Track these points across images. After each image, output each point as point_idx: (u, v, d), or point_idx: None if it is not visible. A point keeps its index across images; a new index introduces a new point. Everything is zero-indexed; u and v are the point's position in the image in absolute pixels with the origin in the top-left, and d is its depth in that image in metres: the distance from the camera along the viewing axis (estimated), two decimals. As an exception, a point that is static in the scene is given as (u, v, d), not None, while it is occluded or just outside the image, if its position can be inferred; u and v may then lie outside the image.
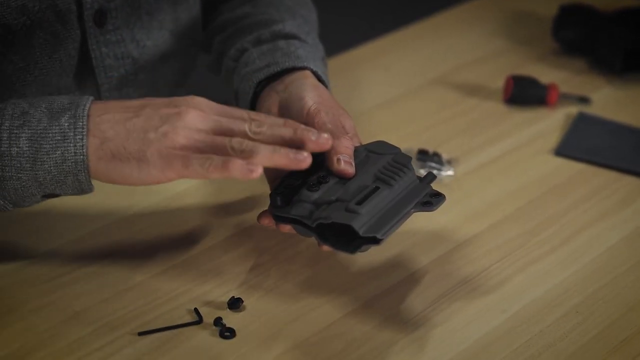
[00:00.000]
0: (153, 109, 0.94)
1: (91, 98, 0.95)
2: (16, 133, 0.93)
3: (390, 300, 1.02)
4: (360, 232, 0.92)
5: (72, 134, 0.93)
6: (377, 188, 0.96)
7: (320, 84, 1.09)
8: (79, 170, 0.94)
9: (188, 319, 0.98)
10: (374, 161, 1.00)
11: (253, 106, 1.11)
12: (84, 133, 0.93)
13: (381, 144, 1.03)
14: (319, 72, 1.11)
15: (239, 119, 0.95)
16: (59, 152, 0.93)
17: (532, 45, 1.53)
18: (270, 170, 1.03)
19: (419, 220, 1.07)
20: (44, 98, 0.96)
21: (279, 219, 0.98)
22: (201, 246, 1.08)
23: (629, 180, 1.23)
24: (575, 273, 1.08)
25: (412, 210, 0.96)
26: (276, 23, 1.19)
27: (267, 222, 0.99)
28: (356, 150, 1.01)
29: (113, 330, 0.96)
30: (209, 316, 0.98)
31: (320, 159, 0.99)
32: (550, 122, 1.34)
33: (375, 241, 0.93)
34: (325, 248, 0.97)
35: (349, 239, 0.94)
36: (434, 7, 1.65)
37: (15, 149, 0.93)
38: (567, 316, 1.02)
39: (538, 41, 1.54)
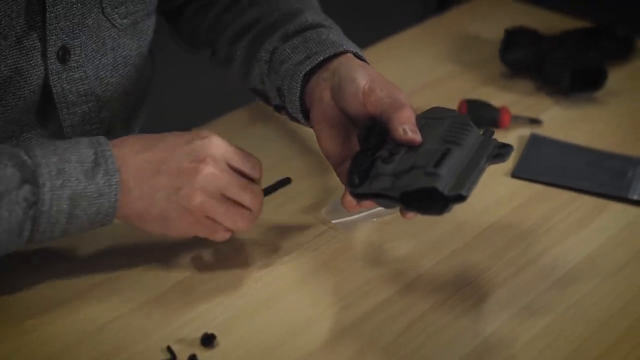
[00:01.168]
0: (174, 163, 1.01)
1: (110, 147, 1.00)
2: (58, 194, 0.97)
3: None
4: (445, 192, 0.95)
5: (107, 191, 0.99)
6: (448, 149, 0.99)
7: (365, 63, 1.11)
8: (107, 220, 1.01)
9: (161, 357, 0.97)
10: (436, 125, 1.03)
11: (302, 98, 1.12)
12: (118, 189, 0.99)
13: (437, 109, 1.07)
14: (359, 53, 1.13)
15: (244, 173, 1.04)
16: (95, 208, 0.99)
17: (481, 68, 1.54)
18: (334, 153, 1.09)
19: (388, 242, 1.10)
20: (67, 147, 1.00)
21: (361, 197, 1.00)
22: (169, 282, 1.07)
23: (584, 199, 1.25)
24: (542, 294, 1.09)
25: (487, 164, 1.00)
26: (296, 16, 1.19)
27: (349, 201, 1.03)
28: (416, 119, 1.03)
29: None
30: (182, 354, 0.97)
31: (381, 135, 1.03)
32: (504, 145, 1.35)
33: (461, 198, 0.96)
34: (410, 215, 1.01)
35: (432, 202, 0.96)
36: (377, 34, 1.66)
37: (55, 209, 0.97)
38: (536, 338, 1.03)
39: (486, 64, 1.55)
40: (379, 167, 1.00)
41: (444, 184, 0.96)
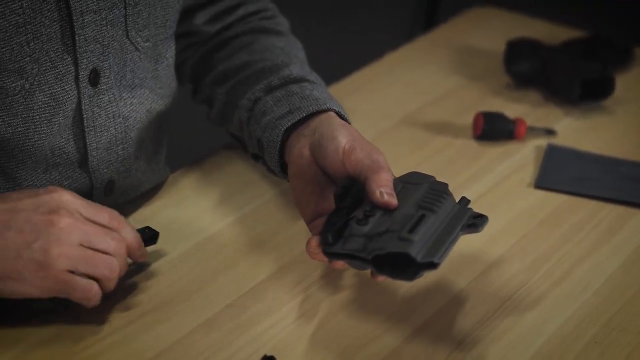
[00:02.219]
0: (23, 217, 0.95)
1: None
2: None
3: None
4: (418, 259, 0.95)
5: None
6: (423, 216, 0.99)
7: (346, 123, 1.11)
8: None
9: (223, 382, 0.96)
10: (413, 191, 1.03)
11: (281, 152, 1.13)
12: None
13: (415, 174, 1.07)
14: (342, 112, 1.13)
15: (101, 225, 1.00)
16: None
17: (486, 80, 1.56)
18: (308, 209, 1.08)
19: None
20: None
21: (333, 256, 1.00)
22: (217, 306, 1.06)
23: (610, 208, 1.26)
24: (583, 305, 1.10)
25: (460, 233, 1.00)
26: (282, 68, 1.20)
27: (320, 258, 1.02)
28: (394, 183, 1.04)
29: (151, 400, 0.94)
30: (243, 378, 0.97)
31: (358, 195, 1.03)
32: (522, 156, 1.37)
33: (432, 265, 0.95)
34: (381, 278, 1.01)
35: (403, 267, 0.96)
36: (368, 54, 1.67)
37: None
38: (588, 347, 1.04)
39: (490, 76, 1.57)
40: (353, 228, 1.00)
41: (416, 250, 0.96)
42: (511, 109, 1.45)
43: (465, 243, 1.15)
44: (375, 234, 0.99)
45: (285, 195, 1.22)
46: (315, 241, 1.02)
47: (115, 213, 1.02)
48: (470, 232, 1.01)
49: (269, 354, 0.99)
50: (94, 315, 1.03)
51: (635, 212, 1.26)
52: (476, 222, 1.02)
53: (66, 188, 1.09)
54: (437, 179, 1.06)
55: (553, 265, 1.16)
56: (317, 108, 1.12)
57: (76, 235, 0.96)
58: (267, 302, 1.07)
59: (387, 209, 1.01)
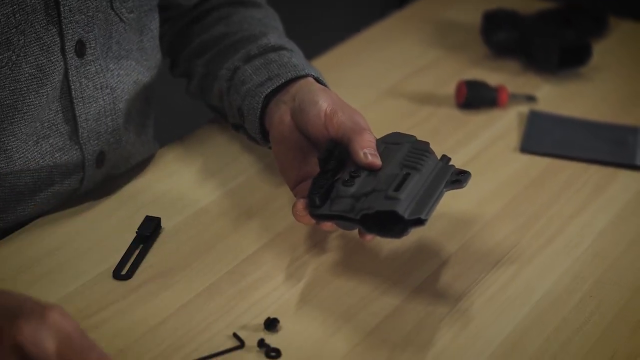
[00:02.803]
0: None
1: None
2: None
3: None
4: (405, 216, 0.97)
5: None
6: (407, 174, 1.01)
7: (326, 87, 1.13)
8: None
9: (229, 344, 0.97)
10: (395, 151, 1.05)
11: (262, 119, 1.13)
12: None
13: (395, 134, 1.08)
14: (320, 78, 1.15)
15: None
16: None
17: (465, 52, 1.57)
18: (291, 174, 1.09)
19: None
20: None
21: (321, 218, 1.01)
22: (217, 273, 1.07)
23: (595, 169, 1.28)
24: (577, 260, 1.12)
25: (445, 189, 1.02)
26: (260, 38, 1.21)
27: (307, 221, 1.02)
28: (376, 144, 1.05)
29: (160, 365, 0.95)
30: (248, 340, 0.97)
31: (342, 157, 1.04)
32: (505, 122, 1.39)
33: (420, 222, 0.97)
34: (369, 238, 1.02)
35: (391, 225, 0.98)
36: (357, 25, 1.68)
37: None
38: (583, 301, 1.06)
39: (469, 47, 1.58)
40: (340, 190, 1.01)
41: (403, 208, 0.98)
42: (491, 79, 1.46)
43: (456, 207, 1.17)
44: (362, 194, 1.00)
45: (273, 168, 1.23)
46: (301, 204, 1.03)
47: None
48: (455, 188, 1.03)
49: (272, 316, 1.00)
50: (94, 285, 1.03)
51: (619, 172, 1.28)
52: (460, 178, 1.03)
53: (58, 160, 1.10)
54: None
55: (543, 224, 1.17)
56: (295, 74, 1.14)
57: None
58: (266, 268, 1.08)
59: (371, 170, 1.03)
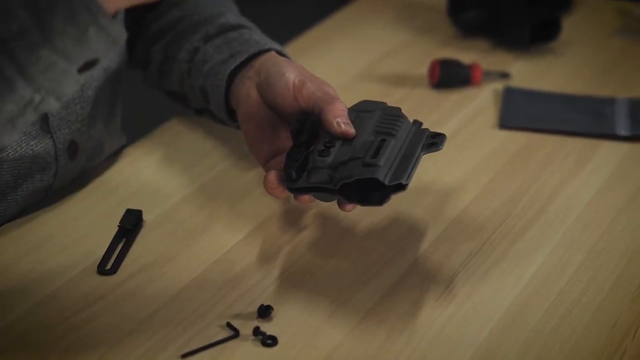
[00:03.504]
0: None
1: None
2: (6, 9, 0.76)
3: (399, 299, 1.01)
4: (386, 182, 0.95)
5: None
6: (383, 140, 0.99)
7: (291, 60, 1.11)
8: (93, 13, 0.77)
9: (223, 334, 0.94)
10: (367, 118, 1.03)
11: (227, 98, 1.11)
12: None
13: (366, 102, 1.07)
14: (283, 51, 1.13)
15: None
16: (60, 4, 0.76)
17: (433, 33, 1.56)
18: (261, 150, 1.07)
19: (401, 206, 1.11)
20: None
21: (299, 191, 0.99)
22: (205, 263, 1.04)
23: (575, 141, 1.27)
24: (567, 231, 1.10)
25: (422, 153, 1.00)
26: (218, 17, 1.19)
27: (283, 195, 1.00)
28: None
29: (154, 358, 0.91)
30: (243, 328, 0.95)
31: (314, 128, 1.02)
32: (481, 100, 1.37)
33: (401, 187, 0.95)
34: (349, 207, 1.00)
35: (371, 193, 0.96)
36: (321, 12, 1.66)
37: (15, 26, 0.76)
38: (578, 272, 1.04)
39: (437, 29, 1.57)
40: (316, 161, 0.99)
41: (383, 174, 0.96)
42: (463, 58, 1.45)
43: (440, 184, 1.15)
44: (339, 163, 0.98)
45: (248, 158, 1.20)
46: (272, 175, 1.00)
47: None
48: (432, 151, 1.01)
49: (265, 303, 0.97)
50: (79, 282, 1.00)
51: (600, 143, 1.27)
52: (436, 140, 1.01)
53: (35, 148, 1.06)
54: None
55: (530, 198, 1.16)
56: (258, 49, 1.12)
57: None
58: (254, 256, 1.05)
59: (346, 139, 1.01)
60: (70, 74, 0.80)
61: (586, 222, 1.12)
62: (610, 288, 1.02)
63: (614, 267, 1.05)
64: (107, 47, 0.80)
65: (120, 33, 0.80)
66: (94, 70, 1.09)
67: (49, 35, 0.77)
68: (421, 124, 1.05)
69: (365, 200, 0.97)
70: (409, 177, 0.96)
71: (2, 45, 0.76)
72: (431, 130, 1.04)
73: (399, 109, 1.05)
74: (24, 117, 0.81)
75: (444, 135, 1.02)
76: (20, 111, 0.80)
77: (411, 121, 1.05)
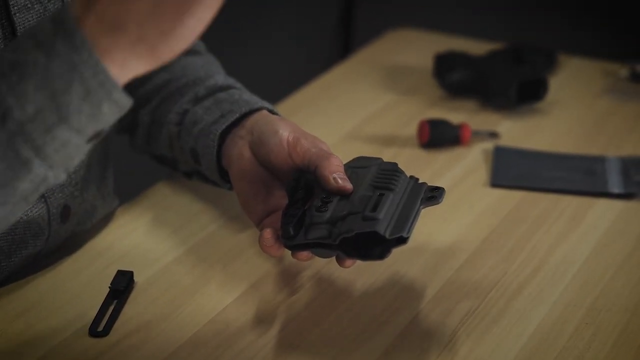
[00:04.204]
0: None
1: (68, 9, 0.77)
2: (20, 90, 0.76)
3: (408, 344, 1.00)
4: (387, 235, 0.93)
5: (77, 57, 0.76)
6: (382, 194, 0.98)
7: (283, 117, 1.10)
8: (109, 91, 0.78)
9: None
10: (364, 174, 1.02)
11: (218, 158, 1.09)
12: (88, 48, 0.75)
13: (361, 158, 1.06)
14: (274, 110, 1.12)
15: None
16: (77, 84, 0.76)
17: (420, 94, 1.55)
18: (255, 210, 1.06)
19: (396, 265, 1.10)
20: (21, 36, 0.79)
21: (297, 248, 0.97)
22: (199, 323, 1.02)
23: (569, 199, 1.26)
24: (566, 289, 1.09)
25: (421, 206, 0.99)
26: (206, 79, 1.18)
27: (279, 253, 0.99)
28: None
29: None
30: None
31: (309, 186, 1.02)
32: (471, 159, 1.37)
33: (402, 240, 0.94)
34: (349, 264, 0.99)
35: (371, 248, 0.94)
36: (299, 79, 1.66)
37: (31, 108, 0.76)
38: (579, 329, 1.03)
39: (423, 90, 1.56)
40: (314, 217, 0.97)
41: (384, 227, 0.94)
42: (450, 118, 1.44)
43: (435, 243, 1.14)
44: (337, 218, 0.96)
45: (239, 219, 1.18)
46: (268, 233, 0.99)
47: None
48: (431, 205, 1.00)
49: (263, 363, 0.95)
50: (71, 344, 0.98)
51: (594, 200, 1.26)
52: (435, 194, 1.00)
53: (29, 214, 1.04)
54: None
55: (528, 254, 1.15)
56: (249, 108, 1.10)
57: None
58: (249, 315, 1.03)
59: (343, 194, 0.99)
60: (81, 147, 0.80)
61: (585, 279, 1.11)
62: (613, 344, 1.00)
63: (615, 323, 1.03)
64: (116, 117, 0.80)
65: (128, 102, 0.80)
66: None
67: (65, 116, 0.77)
68: (417, 179, 1.04)
69: (365, 255, 0.95)
70: (409, 230, 0.95)
71: (19, 128, 0.77)
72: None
73: (396, 164, 1.04)
74: (37, 192, 0.81)
75: (443, 189, 1.01)
76: (35, 188, 0.80)
77: (408, 177, 1.04)
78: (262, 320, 1.02)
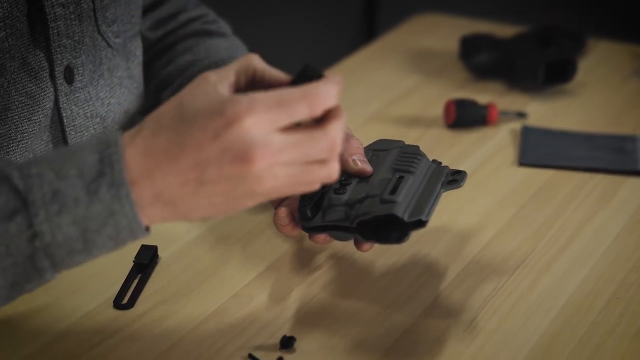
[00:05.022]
0: (213, 172, 0.80)
1: (119, 151, 0.80)
2: (57, 222, 0.80)
3: (434, 320, 0.98)
4: (405, 218, 0.92)
5: (119, 207, 0.80)
6: (401, 177, 0.96)
7: None
8: (136, 236, 0.83)
9: (246, 367, 0.90)
10: (384, 157, 1.01)
11: None
12: (131, 202, 0.80)
13: (382, 141, 1.04)
14: None
15: (301, 126, 0.83)
16: (110, 227, 0.81)
17: (446, 76, 1.54)
18: None
19: (418, 245, 1.08)
20: (69, 155, 0.82)
21: (314, 230, 0.96)
22: (224, 296, 1.00)
23: (599, 177, 1.24)
24: (596, 265, 1.07)
25: (442, 190, 0.97)
26: (229, 61, 1.17)
27: (294, 232, 0.98)
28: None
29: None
30: (266, 359, 0.91)
31: None
32: (498, 139, 1.35)
33: (421, 224, 0.92)
34: (366, 247, 0.98)
35: (389, 231, 0.93)
36: (334, 57, 1.65)
37: (62, 237, 0.80)
38: (610, 304, 1.01)
39: (449, 72, 1.55)
40: (332, 198, 0.96)
41: (402, 210, 0.93)
42: (477, 99, 1.42)
43: (462, 221, 1.13)
44: (356, 201, 0.95)
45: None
46: (283, 212, 0.98)
47: (309, 90, 0.80)
48: (452, 188, 0.98)
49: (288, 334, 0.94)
50: (96, 316, 0.97)
51: (623, 179, 1.25)
52: (456, 177, 0.99)
53: None
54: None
55: (556, 232, 1.13)
56: None
57: (279, 167, 0.80)
58: (273, 289, 1.02)
59: (362, 177, 0.98)
60: (88, 259, 0.84)
61: (615, 255, 1.09)
62: (643, 319, 0.99)
63: (646, 297, 1.02)
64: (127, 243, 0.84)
65: (144, 235, 0.84)
66: (115, 113, 1.08)
67: (90, 248, 0.82)
68: (440, 162, 1.02)
69: (383, 239, 0.93)
70: (428, 213, 0.93)
71: (45, 248, 0.80)
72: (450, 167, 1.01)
73: (417, 146, 1.02)
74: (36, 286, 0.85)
75: (465, 172, 0.99)
76: (37, 287, 0.85)
77: (430, 160, 1.02)
78: (286, 294, 1.01)
